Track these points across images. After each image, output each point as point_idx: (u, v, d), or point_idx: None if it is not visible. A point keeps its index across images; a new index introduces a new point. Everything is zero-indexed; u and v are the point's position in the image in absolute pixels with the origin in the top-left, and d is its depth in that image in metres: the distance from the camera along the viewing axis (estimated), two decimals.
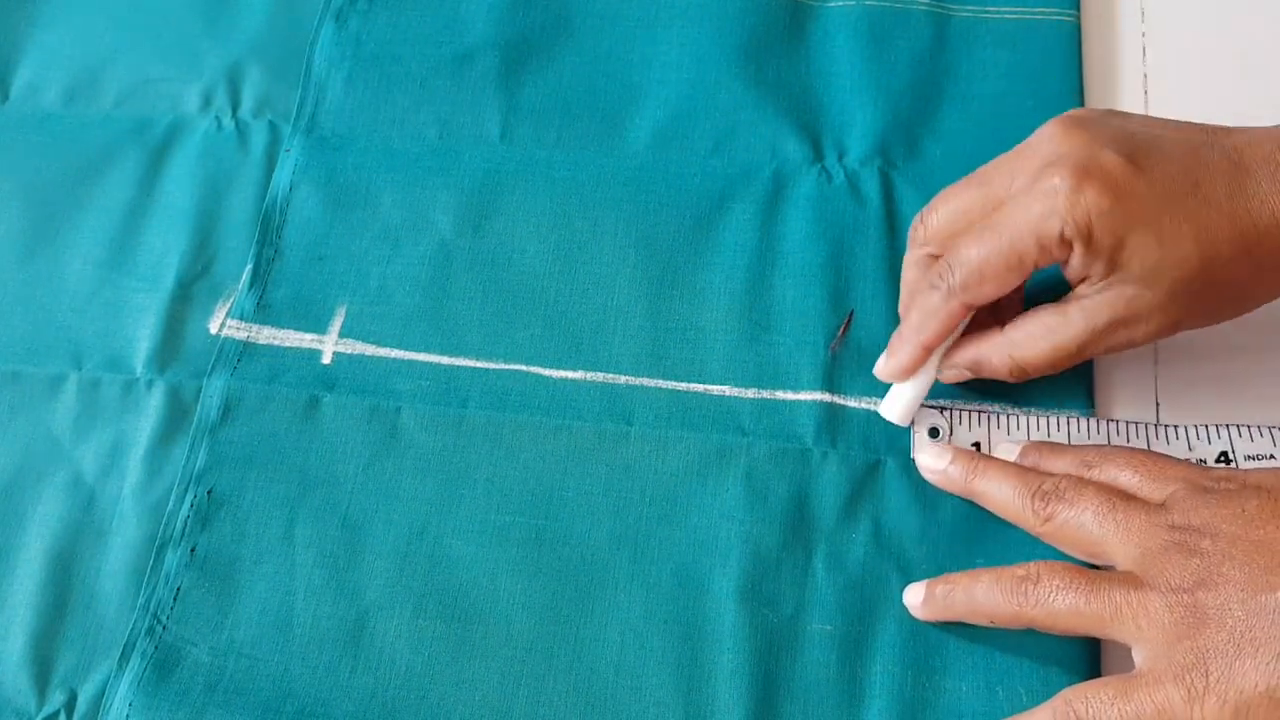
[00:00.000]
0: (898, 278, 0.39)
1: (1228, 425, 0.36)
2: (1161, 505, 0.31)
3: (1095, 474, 0.33)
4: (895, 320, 0.39)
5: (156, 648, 0.35)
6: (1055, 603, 0.30)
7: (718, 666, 0.34)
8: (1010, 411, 0.37)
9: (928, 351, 0.35)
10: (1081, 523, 0.32)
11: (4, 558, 0.38)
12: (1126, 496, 0.32)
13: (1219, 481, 0.31)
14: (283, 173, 0.43)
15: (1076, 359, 0.34)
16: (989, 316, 0.36)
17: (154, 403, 0.40)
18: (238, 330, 0.41)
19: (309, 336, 0.40)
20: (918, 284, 0.36)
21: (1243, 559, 0.28)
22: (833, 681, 0.34)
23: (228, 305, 0.41)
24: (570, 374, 0.39)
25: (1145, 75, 0.43)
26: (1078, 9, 0.44)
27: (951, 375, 0.37)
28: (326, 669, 0.35)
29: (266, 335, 0.40)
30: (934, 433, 0.37)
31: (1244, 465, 0.35)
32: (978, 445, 0.37)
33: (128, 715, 0.34)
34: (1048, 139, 0.33)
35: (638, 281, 0.40)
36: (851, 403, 0.38)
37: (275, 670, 0.35)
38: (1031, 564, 0.31)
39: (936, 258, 0.35)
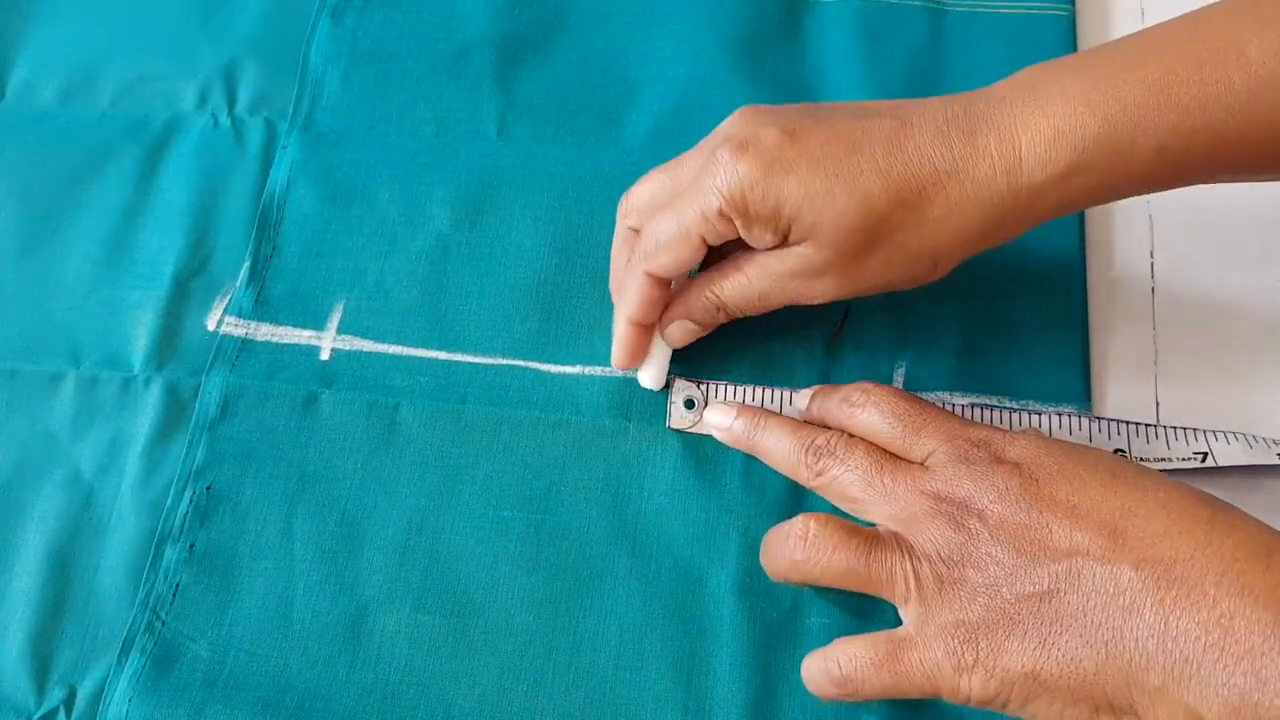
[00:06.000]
0: None
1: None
2: (923, 467, 0.32)
3: (859, 415, 0.34)
4: (892, 315, 0.39)
5: (156, 644, 0.35)
6: (833, 562, 0.32)
7: (716, 660, 0.34)
8: (1003, 405, 0.37)
9: (636, 326, 0.37)
10: (850, 480, 0.33)
11: (3, 555, 0.38)
12: (892, 459, 0.33)
13: (975, 448, 0.32)
14: (279, 169, 0.43)
15: (764, 307, 0.36)
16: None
17: (152, 400, 0.40)
18: (235, 327, 0.41)
19: (307, 333, 0.40)
20: (619, 259, 0.38)
21: (1008, 543, 0.29)
22: None
23: (225, 302, 0.41)
24: (568, 369, 0.39)
25: None
26: (1072, 3, 0.44)
27: (676, 333, 0.37)
28: (326, 664, 0.35)
29: (264, 332, 0.40)
30: (689, 404, 0.38)
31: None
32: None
33: (127, 711, 0.34)
34: (727, 123, 0.35)
35: None
36: None
37: (274, 665, 0.35)
38: (803, 520, 0.33)
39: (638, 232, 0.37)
